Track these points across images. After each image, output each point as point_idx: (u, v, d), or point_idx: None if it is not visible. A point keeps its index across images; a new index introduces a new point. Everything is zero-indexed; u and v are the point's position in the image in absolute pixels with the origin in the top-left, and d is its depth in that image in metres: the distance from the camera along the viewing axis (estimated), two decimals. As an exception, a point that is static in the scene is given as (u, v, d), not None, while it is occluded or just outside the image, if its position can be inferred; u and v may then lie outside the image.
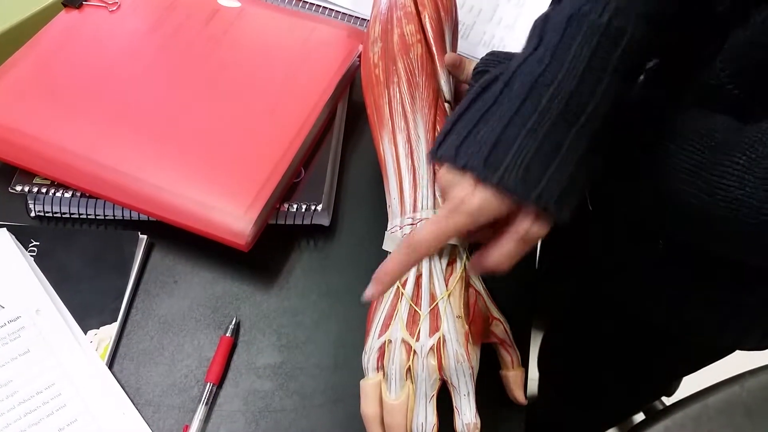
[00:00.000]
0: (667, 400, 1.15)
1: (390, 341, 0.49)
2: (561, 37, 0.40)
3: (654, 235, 0.56)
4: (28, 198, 0.61)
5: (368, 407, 0.49)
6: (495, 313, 0.53)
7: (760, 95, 0.42)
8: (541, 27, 0.42)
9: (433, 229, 0.41)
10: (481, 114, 0.40)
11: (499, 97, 0.40)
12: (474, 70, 0.56)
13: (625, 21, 0.39)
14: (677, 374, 0.82)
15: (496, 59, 0.55)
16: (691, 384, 0.82)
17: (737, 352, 0.68)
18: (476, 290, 0.53)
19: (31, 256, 0.58)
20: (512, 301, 0.56)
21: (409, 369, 0.48)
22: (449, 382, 0.47)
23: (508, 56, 0.56)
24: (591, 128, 0.39)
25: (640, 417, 1.18)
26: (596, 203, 0.65)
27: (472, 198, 0.39)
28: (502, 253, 0.41)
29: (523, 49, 0.43)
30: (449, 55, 0.59)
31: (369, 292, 0.44)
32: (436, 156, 0.42)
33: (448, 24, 0.62)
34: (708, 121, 0.42)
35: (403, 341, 0.48)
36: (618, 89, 0.39)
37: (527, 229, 0.40)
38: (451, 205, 0.40)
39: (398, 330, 0.49)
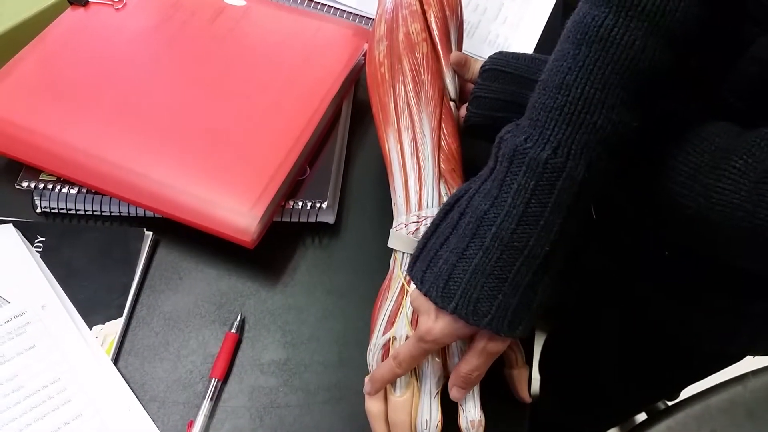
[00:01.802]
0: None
1: (395, 338, 0.49)
2: (507, 171, 0.42)
3: (658, 243, 0.56)
4: (34, 194, 0.61)
5: (373, 404, 0.49)
6: (499, 311, 0.53)
7: (762, 108, 0.43)
8: (497, 147, 0.44)
9: (411, 351, 0.46)
10: (441, 243, 0.45)
11: (455, 227, 0.44)
12: (481, 68, 0.56)
13: (564, 157, 0.40)
14: (685, 381, 0.82)
15: (503, 59, 0.56)
16: (693, 384, 0.82)
17: (741, 351, 0.68)
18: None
19: (36, 251, 0.58)
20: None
21: (413, 366, 0.48)
22: (454, 379, 0.47)
23: (516, 56, 0.56)
24: (534, 260, 0.41)
25: (642, 416, 1.18)
26: (600, 212, 0.65)
27: (434, 326, 0.44)
28: (470, 366, 0.45)
29: (485, 168, 0.45)
30: (454, 54, 0.59)
31: (366, 388, 0.50)
32: (409, 274, 0.46)
33: (453, 23, 0.62)
34: (709, 125, 0.42)
35: (408, 338, 0.48)
36: (561, 223, 0.41)
37: (484, 346, 0.44)
38: (420, 333, 0.45)
39: (403, 327, 0.49)
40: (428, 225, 0.48)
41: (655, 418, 0.77)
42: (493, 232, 0.41)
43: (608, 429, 1.05)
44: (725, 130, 0.41)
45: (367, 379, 0.50)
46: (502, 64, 0.55)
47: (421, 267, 0.45)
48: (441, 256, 0.44)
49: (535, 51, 0.79)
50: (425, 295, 0.44)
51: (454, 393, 0.46)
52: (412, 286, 0.47)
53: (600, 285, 0.72)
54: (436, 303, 0.43)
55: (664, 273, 0.58)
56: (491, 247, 0.41)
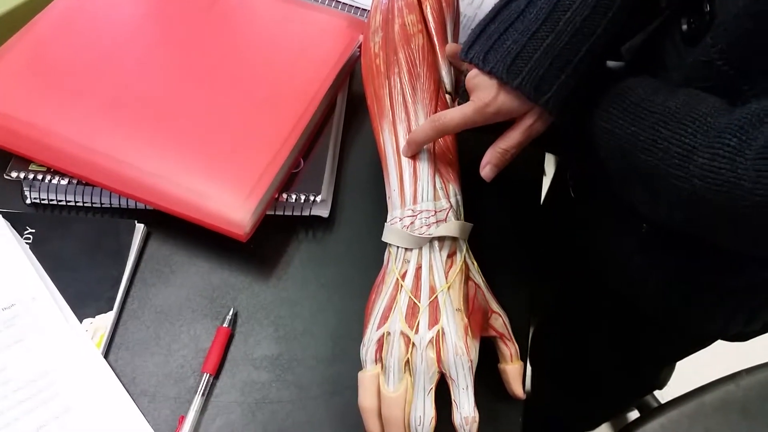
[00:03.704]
0: (663, 398, 1.15)
1: (389, 333, 0.49)
2: None
3: (636, 218, 0.56)
4: (23, 185, 0.60)
5: (366, 399, 0.48)
6: (494, 306, 0.53)
7: (750, 70, 0.42)
8: None
9: (461, 118, 0.50)
10: (506, 26, 0.48)
11: (522, 12, 0.47)
12: None
13: None
14: (663, 361, 0.82)
15: None
16: (687, 381, 0.82)
17: (733, 348, 0.68)
18: (476, 283, 0.52)
19: (26, 243, 0.57)
20: (511, 295, 0.55)
21: (407, 361, 0.48)
22: (448, 375, 0.47)
23: None
24: (595, 51, 0.46)
25: (635, 415, 1.19)
26: (578, 190, 0.65)
27: (495, 100, 0.48)
28: (510, 142, 0.50)
29: None
30: (450, 46, 0.58)
31: (404, 150, 0.54)
32: (466, 58, 0.49)
33: (449, 14, 0.61)
34: (700, 104, 0.42)
35: (402, 333, 0.48)
36: (622, 21, 0.46)
37: (531, 124, 0.49)
38: (479, 104, 0.48)
39: (397, 322, 0.48)
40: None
41: (648, 416, 0.78)
42: (567, 17, 0.45)
43: (601, 423, 1.05)
44: (714, 107, 0.41)
45: (409, 137, 0.53)
46: None
47: (481, 49, 0.48)
48: (507, 38, 0.47)
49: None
50: (489, 72, 0.47)
51: (486, 171, 0.50)
52: (473, 73, 0.49)
53: (583, 270, 0.72)
54: (501, 79, 0.46)
55: (643, 251, 0.58)
56: (563, 30, 0.45)
